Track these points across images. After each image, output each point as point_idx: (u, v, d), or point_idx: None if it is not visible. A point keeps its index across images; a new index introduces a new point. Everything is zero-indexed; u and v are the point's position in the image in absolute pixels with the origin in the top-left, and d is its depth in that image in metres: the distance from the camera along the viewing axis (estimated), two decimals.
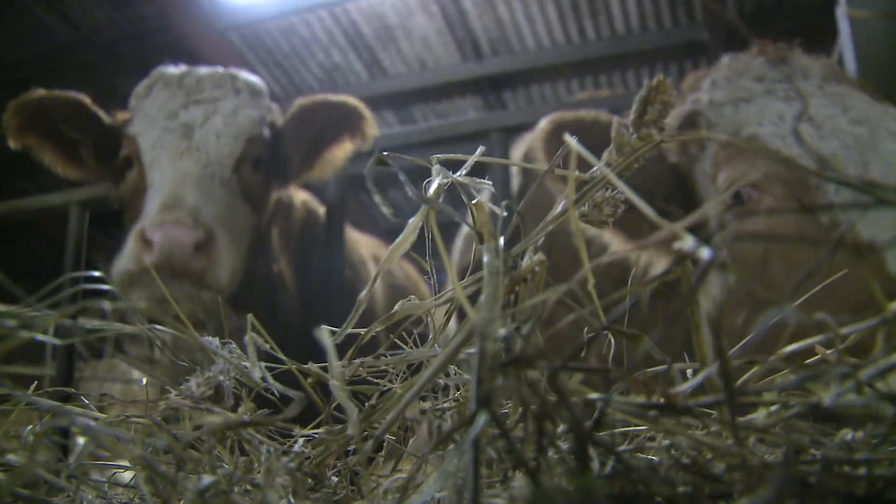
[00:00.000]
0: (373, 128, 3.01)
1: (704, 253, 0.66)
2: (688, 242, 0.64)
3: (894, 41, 3.13)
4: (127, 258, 2.38)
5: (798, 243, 1.76)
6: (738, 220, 1.93)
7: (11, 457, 0.95)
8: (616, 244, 2.14)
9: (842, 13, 3.29)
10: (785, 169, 1.86)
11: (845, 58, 3.33)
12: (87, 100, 3.05)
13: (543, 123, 2.13)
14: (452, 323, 1.01)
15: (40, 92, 2.96)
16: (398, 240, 0.77)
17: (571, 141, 0.74)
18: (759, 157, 1.92)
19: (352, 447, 0.91)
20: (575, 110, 2.17)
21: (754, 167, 1.91)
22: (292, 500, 0.86)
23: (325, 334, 0.79)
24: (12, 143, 2.94)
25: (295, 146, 3.03)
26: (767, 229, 1.88)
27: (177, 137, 2.74)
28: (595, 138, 2.15)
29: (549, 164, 0.76)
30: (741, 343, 0.91)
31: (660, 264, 2.21)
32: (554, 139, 2.12)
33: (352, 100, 3.02)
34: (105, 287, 1.33)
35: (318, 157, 3.05)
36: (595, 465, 0.66)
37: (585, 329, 0.81)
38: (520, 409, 0.74)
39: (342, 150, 3.04)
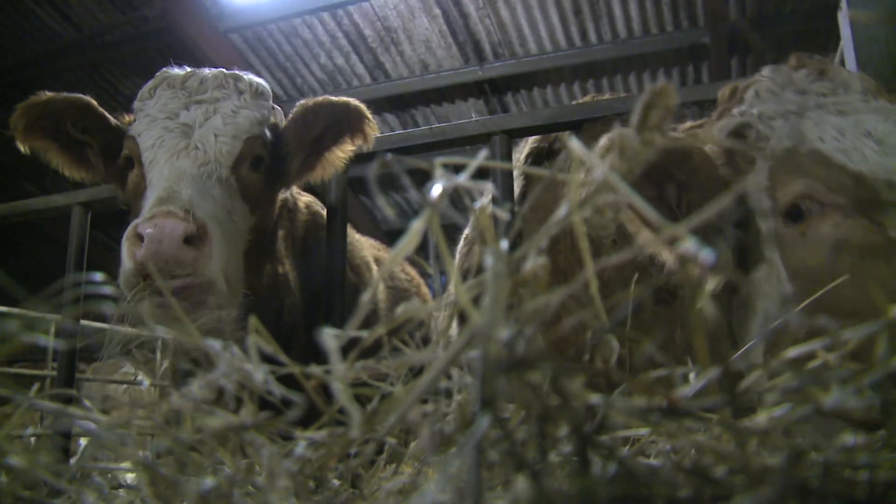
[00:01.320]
0: (374, 128, 3.02)
1: (704, 256, 0.67)
2: (689, 245, 0.65)
3: (895, 45, 3.13)
4: (124, 259, 2.39)
5: (866, 254, 1.78)
6: (800, 233, 1.95)
7: (13, 459, 0.95)
8: (613, 248, 2.15)
9: (843, 17, 3.30)
10: (853, 183, 1.87)
11: (846, 61, 3.34)
12: (93, 101, 3.06)
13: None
14: (455, 326, 1.02)
15: (46, 94, 2.97)
16: (401, 243, 0.77)
17: (574, 143, 0.74)
18: (822, 172, 1.92)
19: (353, 450, 0.91)
20: (549, 121, 2.19)
21: (819, 182, 1.91)
22: (294, 503, 0.86)
23: (327, 337, 0.79)
24: (20, 146, 2.96)
25: (296, 147, 3.04)
26: (835, 240, 1.89)
27: (176, 137, 2.75)
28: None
29: (550, 173, 0.76)
30: (743, 348, 0.91)
31: (654, 265, 2.22)
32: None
33: (354, 101, 3.03)
34: (107, 290, 1.34)
35: (319, 157, 3.06)
36: (597, 467, 0.66)
37: (589, 333, 0.81)
38: (522, 412, 0.74)
39: (343, 151, 3.05)
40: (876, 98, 2.04)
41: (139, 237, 2.34)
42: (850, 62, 3.25)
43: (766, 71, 2.24)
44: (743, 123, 2.16)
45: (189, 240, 2.35)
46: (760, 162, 2.07)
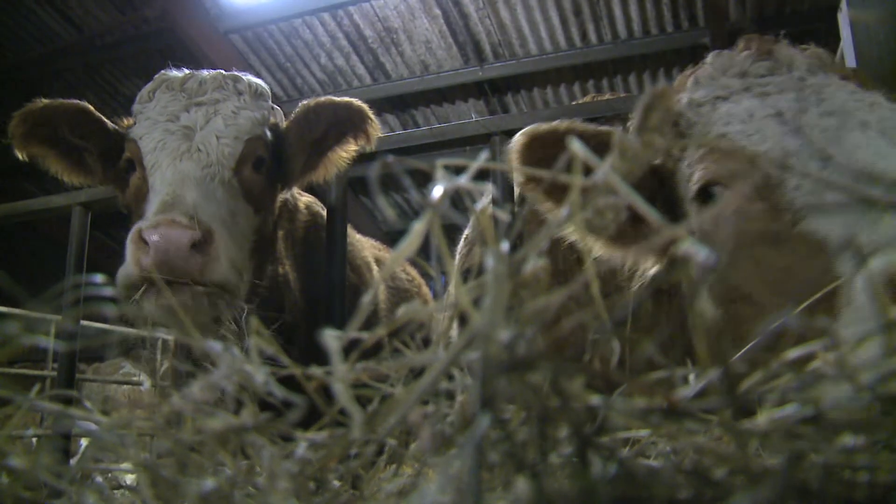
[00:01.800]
0: (376, 129, 3.03)
1: (703, 256, 0.67)
2: (689, 245, 0.65)
3: (895, 45, 3.13)
4: (128, 263, 2.39)
5: (762, 240, 1.77)
6: (711, 219, 1.94)
7: (14, 460, 0.95)
8: (603, 251, 2.13)
9: (843, 18, 3.30)
10: (748, 166, 1.87)
11: (846, 61, 3.34)
12: (89, 106, 3.06)
13: (518, 136, 2.14)
14: (456, 327, 1.02)
15: (43, 101, 2.97)
16: (403, 244, 0.77)
17: (576, 146, 0.74)
18: (726, 156, 1.92)
19: (354, 451, 0.92)
20: (549, 121, 2.18)
21: (721, 166, 1.92)
22: None
23: (329, 338, 0.79)
24: (18, 153, 2.96)
25: (299, 147, 3.04)
26: (734, 227, 1.89)
27: (177, 139, 2.75)
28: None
29: (552, 171, 0.76)
30: (743, 350, 0.91)
31: (646, 267, 2.22)
32: (529, 152, 2.12)
33: (356, 101, 3.03)
34: (107, 291, 1.34)
35: (321, 158, 3.07)
36: (597, 468, 0.66)
37: (589, 334, 0.81)
38: (522, 413, 0.74)
39: (346, 151, 3.06)
40: (818, 75, 2.03)
41: (144, 242, 2.34)
42: (850, 62, 3.25)
43: (709, 56, 2.24)
44: (675, 112, 2.17)
45: (195, 245, 2.36)
46: (687, 150, 2.08)
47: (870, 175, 1.64)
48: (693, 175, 1.99)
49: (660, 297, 2.34)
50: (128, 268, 2.37)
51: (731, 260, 1.84)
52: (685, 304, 2.12)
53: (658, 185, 2.19)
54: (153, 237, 2.31)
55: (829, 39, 9.30)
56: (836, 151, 1.75)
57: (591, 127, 2.18)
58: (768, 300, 1.70)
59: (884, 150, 1.74)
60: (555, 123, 2.15)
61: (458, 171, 0.80)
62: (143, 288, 2.35)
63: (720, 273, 1.90)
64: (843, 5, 3.36)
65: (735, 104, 2.01)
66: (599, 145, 2.14)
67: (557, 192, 2.10)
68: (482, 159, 0.79)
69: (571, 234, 2.07)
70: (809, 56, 2.08)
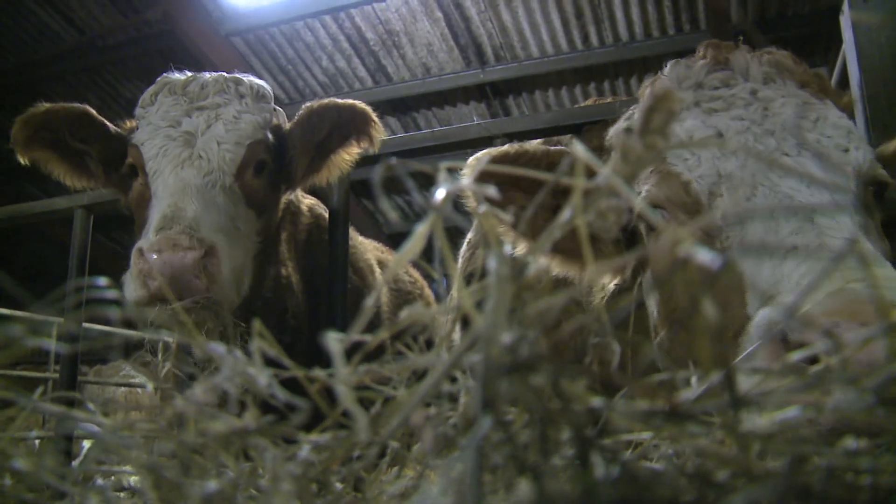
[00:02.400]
0: (380, 131, 3.03)
1: (710, 260, 0.67)
2: (694, 249, 0.65)
3: None
4: (134, 285, 2.42)
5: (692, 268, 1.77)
6: (655, 240, 1.95)
7: (17, 462, 0.95)
8: (558, 268, 2.12)
9: (845, 20, 3.30)
10: (682, 191, 1.87)
11: (849, 65, 3.34)
12: (91, 110, 3.06)
13: (471, 161, 2.16)
14: (458, 330, 1.02)
15: (45, 105, 2.97)
16: (406, 247, 0.77)
17: (578, 148, 0.74)
18: (665, 179, 1.92)
19: (357, 453, 0.92)
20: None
21: (660, 190, 1.92)
22: None
23: (331, 340, 0.79)
24: (21, 158, 2.97)
25: (302, 149, 3.04)
26: (670, 250, 1.88)
27: (179, 146, 2.75)
28: (524, 167, 2.16)
29: (554, 177, 0.77)
30: (744, 353, 0.91)
31: (604, 281, 2.22)
32: (482, 176, 2.14)
33: (360, 104, 3.03)
34: (110, 293, 1.34)
35: (324, 160, 3.07)
36: (599, 471, 0.66)
37: (592, 336, 0.81)
38: (524, 415, 0.74)
39: (349, 154, 3.06)
40: (772, 85, 2.00)
41: (147, 262, 2.37)
42: (853, 65, 3.26)
43: (667, 66, 2.23)
44: (627, 127, 2.17)
45: (198, 263, 2.39)
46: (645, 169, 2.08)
47: (786, 209, 1.65)
48: (640, 194, 1.99)
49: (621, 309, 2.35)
50: (136, 291, 2.41)
51: (669, 283, 1.86)
52: (648, 315, 2.12)
53: None
54: (157, 261, 2.35)
55: (831, 42, 9.32)
56: (763, 180, 1.75)
57: (541, 148, 2.19)
58: (698, 323, 1.70)
59: (804, 184, 1.73)
60: (506, 147, 2.17)
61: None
62: (153, 306, 2.38)
63: (663, 294, 1.91)
64: (845, 7, 3.36)
65: (678, 124, 2.00)
66: (550, 165, 2.16)
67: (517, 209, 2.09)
68: (485, 161, 0.79)
69: (521, 248, 2.08)
70: (767, 63, 2.05)
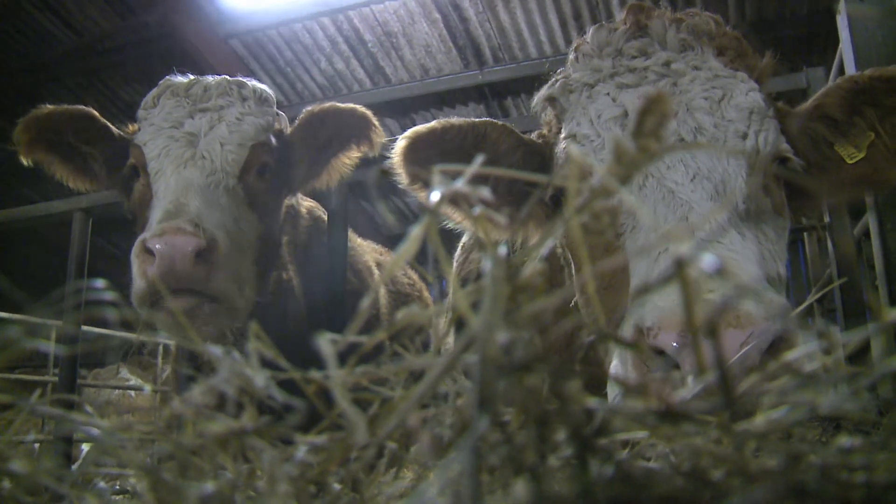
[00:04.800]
0: (380, 135, 3.04)
1: (705, 261, 0.67)
2: (687, 249, 0.65)
3: (894, 48, 3.14)
4: (135, 278, 2.41)
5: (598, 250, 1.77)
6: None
7: (15, 464, 0.96)
8: (500, 234, 2.13)
9: (842, 20, 3.31)
10: (583, 178, 1.88)
11: (846, 63, 3.35)
12: (95, 112, 3.07)
13: (399, 140, 2.16)
14: (453, 332, 1.02)
15: (48, 107, 2.98)
16: (401, 249, 0.77)
17: (573, 149, 0.74)
18: (569, 164, 1.92)
19: (354, 454, 0.92)
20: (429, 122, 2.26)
21: (564, 174, 1.93)
22: None
23: (324, 342, 0.79)
24: (24, 160, 2.97)
25: (303, 153, 3.05)
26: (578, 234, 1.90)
27: (181, 146, 2.75)
28: (450, 143, 2.15)
29: (551, 176, 0.77)
30: (739, 354, 0.91)
31: (533, 238, 2.22)
32: (412, 154, 2.14)
33: (360, 108, 3.04)
34: (108, 296, 1.34)
35: (325, 164, 3.07)
36: (595, 470, 0.67)
37: (588, 335, 0.81)
38: (521, 416, 0.75)
39: (350, 158, 3.07)
40: (688, 54, 1.98)
41: (149, 252, 2.35)
42: (850, 65, 3.26)
43: (590, 30, 2.22)
44: (551, 96, 2.16)
45: (199, 254, 2.36)
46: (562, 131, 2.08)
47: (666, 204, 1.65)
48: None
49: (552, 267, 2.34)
50: (136, 283, 2.39)
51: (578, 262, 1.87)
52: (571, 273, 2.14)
53: (539, 161, 2.20)
54: (157, 245, 2.32)
55: (829, 41, 9.32)
56: (654, 171, 1.75)
57: (466, 121, 2.21)
58: (602, 300, 1.70)
59: (688, 178, 1.73)
60: (433, 123, 2.18)
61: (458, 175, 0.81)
62: (153, 299, 2.37)
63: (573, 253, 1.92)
64: (842, 7, 3.37)
65: (593, 99, 1.99)
66: (477, 137, 2.17)
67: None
68: (478, 163, 0.79)
69: (463, 223, 2.11)
70: (685, 29, 2.03)
